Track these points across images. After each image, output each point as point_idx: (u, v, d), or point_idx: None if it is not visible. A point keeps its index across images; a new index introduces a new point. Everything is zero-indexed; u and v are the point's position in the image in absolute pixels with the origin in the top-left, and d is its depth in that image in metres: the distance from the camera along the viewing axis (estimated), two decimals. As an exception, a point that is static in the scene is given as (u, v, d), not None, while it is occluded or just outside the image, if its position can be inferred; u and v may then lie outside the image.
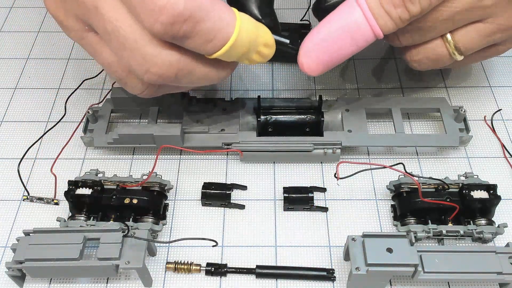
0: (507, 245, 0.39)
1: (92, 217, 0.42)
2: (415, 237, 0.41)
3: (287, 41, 0.38)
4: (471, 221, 0.41)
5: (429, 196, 0.41)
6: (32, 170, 0.47)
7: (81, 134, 0.47)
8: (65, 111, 0.51)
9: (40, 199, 0.45)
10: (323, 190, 0.45)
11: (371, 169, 0.45)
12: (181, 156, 0.48)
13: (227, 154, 0.48)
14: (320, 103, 0.47)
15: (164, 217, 0.44)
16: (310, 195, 0.43)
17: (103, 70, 0.55)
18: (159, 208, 0.43)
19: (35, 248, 0.37)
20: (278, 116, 0.47)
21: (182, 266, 0.40)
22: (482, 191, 0.42)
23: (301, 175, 0.47)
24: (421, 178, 0.43)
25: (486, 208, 0.41)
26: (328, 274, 0.40)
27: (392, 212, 0.44)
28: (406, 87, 0.53)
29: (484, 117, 0.51)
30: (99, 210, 0.42)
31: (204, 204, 0.45)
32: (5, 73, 0.56)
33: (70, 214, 0.43)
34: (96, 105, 0.49)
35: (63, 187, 0.43)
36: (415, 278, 0.37)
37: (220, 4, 0.33)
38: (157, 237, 0.43)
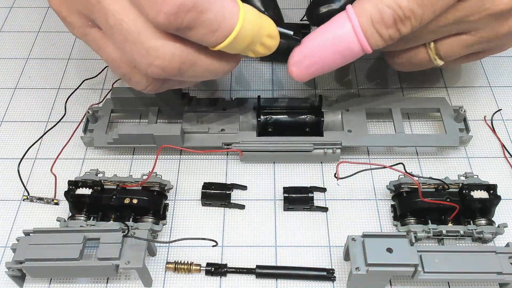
0: (507, 245, 0.39)
1: (92, 217, 0.42)
2: (415, 237, 0.41)
3: (291, 32, 0.38)
4: (471, 221, 0.41)
5: (429, 196, 0.41)
6: (32, 170, 0.47)
7: (81, 134, 0.48)
8: (65, 111, 0.51)
9: (40, 199, 0.45)
10: (323, 190, 0.45)
11: (371, 169, 0.45)
12: (181, 156, 0.48)
13: (227, 154, 0.48)
14: (320, 103, 0.47)
15: (164, 217, 0.44)
16: (310, 195, 0.43)
17: (103, 70, 0.55)
18: (159, 208, 0.43)
19: (35, 248, 0.37)
20: (278, 116, 0.47)
21: (182, 266, 0.40)
22: (482, 191, 0.42)
23: (301, 175, 0.47)
24: (421, 178, 0.43)
25: (486, 208, 0.41)
26: (328, 274, 0.40)
27: (392, 212, 0.44)
28: (406, 87, 0.53)
29: (484, 117, 0.51)
30: (99, 210, 0.42)
31: (204, 204, 0.45)
32: (5, 73, 0.56)
33: (70, 214, 0.43)
34: (96, 105, 0.49)
35: (63, 187, 0.43)
36: (415, 278, 0.37)
37: None
38: (157, 237, 0.43)
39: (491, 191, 0.42)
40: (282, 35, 0.37)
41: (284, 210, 0.44)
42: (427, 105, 0.49)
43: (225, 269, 0.40)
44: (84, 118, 0.48)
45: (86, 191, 0.42)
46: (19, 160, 0.47)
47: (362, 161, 0.46)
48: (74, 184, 0.43)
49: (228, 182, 0.46)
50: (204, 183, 0.45)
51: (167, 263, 0.41)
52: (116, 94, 0.48)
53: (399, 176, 0.43)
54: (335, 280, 0.40)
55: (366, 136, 0.46)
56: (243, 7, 0.34)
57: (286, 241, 0.42)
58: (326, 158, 0.47)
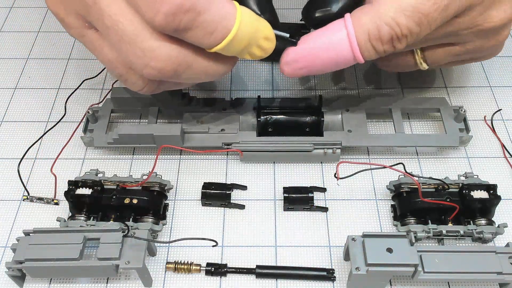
0: (507, 245, 0.39)
1: (92, 217, 0.42)
2: (415, 237, 0.41)
3: (287, 34, 0.38)
4: (471, 221, 0.41)
5: (429, 196, 0.41)
6: (32, 170, 0.47)
7: (81, 134, 0.47)
8: (65, 111, 0.51)
9: (40, 199, 0.45)
10: (323, 190, 0.45)
11: (371, 169, 0.45)
12: (181, 156, 0.48)
13: (227, 154, 0.48)
14: (320, 103, 0.47)
15: (164, 217, 0.44)
16: (310, 195, 0.43)
17: (103, 70, 0.55)
18: (159, 208, 0.43)
19: (35, 248, 0.37)
20: (278, 116, 0.47)
21: (182, 266, 0.40)
22: (482, 191, 0.42)
23: (301, 175, 0.47)
24: (421, 178, 0.43)
25: (486, 208, 0.41)
26: (328, 274, 0.40)
27: (392, 212, 0.44)
28: (406, 87, 0.53)
29: (484, 117, 0.51)
30: (99, 210, 0.42)
31: (204, 204, 0.45)
32: (5, 73, 0.56)
33: (70, 214, 0.43)
34: (96, 105, 0.49)
35: (63, 187, 0.43)
36: (415, 278, 0.37)
37: None
38: (157, 237, 0.43)
39: (491, 191, 0.42)
40: (278, 37, 0.37)
41: (284, 210, 0.44)
42: (427, 105, 0.49)
43: (225, 269, 0.40)
44: (84, 118, 0.48)
45: (86, 191, 0.42)
46: (19, 160, 0.47)
47: (362, 161, 0.46)
48: (74, 184, 0.43)
49: (228, 182, 0.46)
50: (204, 183, 0.45)
51: (167, 263, 0.41)
52: (116, 94, 0.48)
53: (399, 176, 0.43)
54: (335, 280, 0.40)
55: (366, 136, 0.46)
56: (240, 9, 0.34)
57: (286, 241, 0.42)
58: (326, 158, 0.47)
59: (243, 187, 0.46)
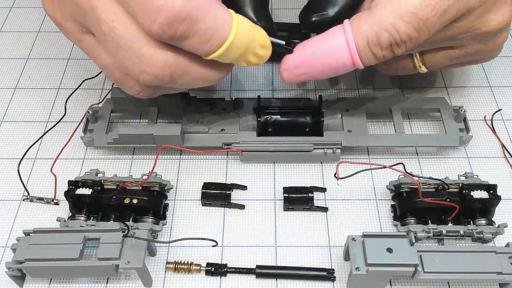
0: (507, 245, 0.39)
1: (92, 217, 0.42)
2: (415, 237, 0.41)
3: (283, 42, 0.38)
4: (471, 221, 0.41)
5: (429, 196, 0.41)
6: (32, 170, 0.47)
7: (81, 134, 0.47)
8: (65, 111, 0.51)
9: (40, 199, 0.45)
10: (323, 190, 0.45)
11: (371, 169, 0.45)
12: (181, 156, 0.48)
13: (227, 154, 0.48)
14: (320, 103, 0.47)
15: (164, 217, 0.44)
16: (310, 195, 0.43)
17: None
18: (159, 208, 0.43)
19: (35, 248, 0.37)
20: (278, 116, 0.47)
21: (182, 266, 0.40)
22: (482, 191, 0.42)
23: (301, 175, 0.47)
24: (421, 178, 0.43)
25: (486, 208, 0.41)
26: (328, 274, 0.40)
27: (392, 212, 0.44)
28: (406, 87, 0.53)
29: (484, 117, 0.51)
30: (99, 210, 0.42)
31: (204, 204, 0.45)
32: (5, 73, 0.56)
33: (70, 214, 0.43)
34: (96, 105, 0.49)
35: (63, 187, 0.43)
36: (415, 278, 0.37)
37: (217, 4, 0.34)
38: (157, 237, 0.43)
39: (491, 191, 0.42)
40: (274, 45, 0.38)
41: (284, 210, 0.44)
42: (427, 105, 0.49)
43: (225, 269, 0.40)
44: (84, 118, 0.48)
45: (86, 191, 0.42)
46: (19, 160, 0.47)
47: (362, 161, 0.46)
48: (74, 184, 0.43)
49: (228, 182, 0.46)
50: (204, 183, 0.45)
51: (167, 263, 0.41)
52: (116, 94, 0.48)
53: (399, 176, 0.43)
54: (335, 280, 0.40)
55: (366, 136, 0.46)
56: (237, 17, 0.34)
57: (286, 241, 0.42)
58: (326, 158, 0.47)
59: (243, 187, 0.46)
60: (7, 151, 0.49)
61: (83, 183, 0.42)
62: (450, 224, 0.41)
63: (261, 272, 0.40)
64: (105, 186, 0.43)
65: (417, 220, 0.41)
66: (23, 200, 0.45)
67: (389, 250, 0.37)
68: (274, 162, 0.47)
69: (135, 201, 0.42)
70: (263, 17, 0.39)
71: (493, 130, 0.49)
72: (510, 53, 0.56)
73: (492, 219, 0.42)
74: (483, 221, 0.41)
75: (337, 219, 0.44)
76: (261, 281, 0.40)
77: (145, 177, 0.43)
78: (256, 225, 0.43)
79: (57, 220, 0.42)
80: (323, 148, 0.46)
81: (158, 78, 0.35)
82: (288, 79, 0.40)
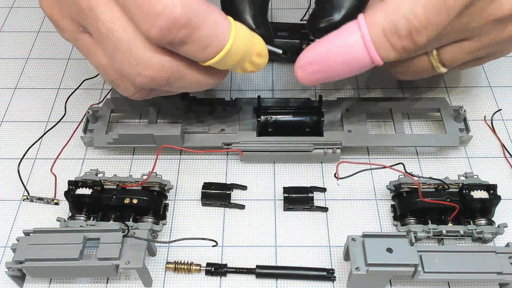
0: (507, 245, 0.39)
1: (92, 217, 0.42)
2: (415, 237, 0.41)
3: (280, 51, 0.39)
4: (471, 221, 0.41)
5: (429, 196, 0.41)
6: (32, 170, 0.47)
7: (81, 134, 0.47)
8: (65, 111, 0.51)
9: (40, 199, 0.45)
10: (323, 190, 0.45)
11: (371, 169, 0.45)
12: (181, 156, 0.48)
13: (227, 154, 0.48)
14: (320, 103, 0.47)
15: (164, 217, 0.44)
16: (310, 195, 0.43)
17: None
18: (159, 208, 0.43)
19: (35, 248, 0.37)
20: (278, 116, 0.47)
21: (182, 266, 0.40)
22: (482, 191, 0.42)
23: (301, 175, 0.47)
24: (421, 178, 0.43)
25: (486, 208, 0.41)
26: (328, 274, 0.40)
27: (392, 212, 0.44)
28: (406, 87, 0.53)
29: (484, 117, 0.51)
30: (99, 210, 0.42)
31: (204, 204, 0.45)
32: (5, 73, 0.56)
33: (70, 214, 0.43)
34: (96, 105, 0.49)
35: (63, 187, 0.43)
36: (415, 278, 0.37)
37: (216, 12, 0.34)
38: (157, 237, 0.43)
39: (491, 191, 0.42)
40: (271, 53, 0.38)
41: (284, 210, 0.44)
42: (427, 105, 0.49)
43: (225, 269, 0.40)
44: (84, 118, 0.48)
45: (86, 191, 0.42)
46: (19, 160, 0.47)
47: (362, 161, 0.46)
48: (74, 184, 0.43)
49: (228, 182, 0.46)
50: (204, 183, 0.45)
51: (167, 263, 0.41)
52: (116, 94, 0.48)
53: (399, 176, 0.43)
54: (335, 280, 0.40)
55: (366, 136, 0.46)
56: (235, 25, 0.34)
57: (286, 241, 0.42)
58: (326, 158, 0.47)
59: (243, 187, 0.46)
60: (7, 151, 0.49)
61: (83, 183, 0.42)
62: (450, 224, 0.41)
63: (261, 272, 0.40)
64: (105, 186, 0.43)
65: (417, 220, 0.41)
66: (23, 200, 0.45)
67: (389, 250, 0.37)
68: (274, 162, 0.47)
69: (135, 201, 0.42)
70: (261, 25, 0.39)
71: (493, 130, 0.49)
72: (510, 53, 0.56)
73: (492, 219, 0.42)
74: (483, 221, 0.41)
75: (337, 219, 0.44)
76: (261, 281, 0.40)
77: (145, 177, 0.43)
78: (256, 225, 0.43)
79: (57, 220, 0.42)
80: (323, 148, 0.46)
81: (154, 81, 0.35)
82: (303, 77, 0.38)
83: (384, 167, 0.43)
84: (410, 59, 0.41)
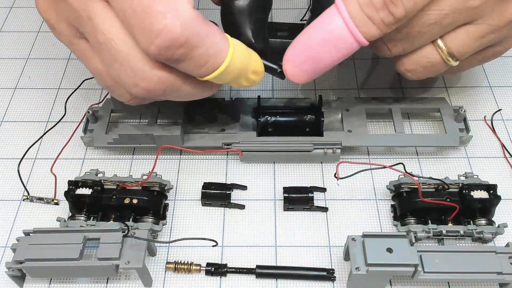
0: (507, 245, 0.39)
1: (92, 217, 0.42)
2: (415, 237, 0.41)
3: (276, 67, 0.39)
4: (471, 221, 0.41)
5: (429, 196, 0.41)
6: (32, 170, 0.47)
7: (81, 134, 0.47)
8: (65, 111, 0.51)
9: (40, 199, 0.45)
10: (323, 190, 0.45)
11: (371, 169, 0.45)
12: (181, 156, 0.48)
13: (227, 154, 0.48)
14: (320, 103, 0.47)
15: (164, 217, 0.44)
16: (310, 195, 0.43)
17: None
18: (159, 208, 0.43)
19: (35, 248, 0.37)
20: (278, 116, 0.47)
21: (182, 266, 0.40)
22: (482, 191, 0.42)
23: (301, 175, 0.47)
24: (421, 178, 0.43)
25: (486, 208, 0.41)
26: (328, 274, 0.40)
27: (392, 212, 0.44)
28: (406, 87, 0.53)
29: (484, 117, 0.51)
30: (99, 210, 0.42)
31: (204, 204, 0.45)
32: (5, 73, 0.56)
33: (70, 214, 0.43)
34: (96, 105, 0.49)
35: (63, 187, 0.43)
36: (415, 278, 0.37)
37: (215, 31, 0.34)
38: (157, 237, 0.43)
39: (491, 191, 0.42)
40: (267, 68, 0.38)
41: (284, 210, 0.44)
42: (427, 105, 0.49)
43: (225, 269, 0.40)
44: (84, 118, 0.48)
45: (86, 191, 0.42)
46: (19, 160, 0.47)
47: (362, 161, 0.46)
48: (74, 184, 0.43)
49: (228, 182, 0.46)
50: (204, 183, 0.45)
51: (167, 263, 0.41)
52: (116, 94, 0.48)
53: (399, 176, 0.43)
54: (335, 280, 0.40)
55: (366, 136, 0.46)
56: (233, 43, 0.35)
57: (286, 241, 0.42)
58: (326, 158, 0.47)
59: (243, 187, 0.46)
60: (7, 151, 0.49)
61: (83, 183, 0.42)
62: (450, 224, 0.41)
63: (261, 272, 0.40)
64: (105, 186, 0.43)
65: (417, 220, 0.41)
66: (23, 200, 0.45)
67: (389, 250, 0.37)
68: (274, 162, 0.47)
69: (135, 201, 0.42)
70: (260, 39, 0.39)
71: (493, 130, 0.49)
72: (510, 53, 0.56)
73: (492, 219, 0.42)
74: (483, 221, 0.41)
75: (337, 219, 0.44)
76: (261, 281, 0.40)
77: (145, 177, 0.43)
78: (256, 225, 0.43)
79: (57, 220, 0.42)
80: (323, 148, 0.46)
81: (150, 92, 0.35)
82: (293, 72, 0.38)
83: (384, 167, 0.43)
84: (417, 55, 0.40)
